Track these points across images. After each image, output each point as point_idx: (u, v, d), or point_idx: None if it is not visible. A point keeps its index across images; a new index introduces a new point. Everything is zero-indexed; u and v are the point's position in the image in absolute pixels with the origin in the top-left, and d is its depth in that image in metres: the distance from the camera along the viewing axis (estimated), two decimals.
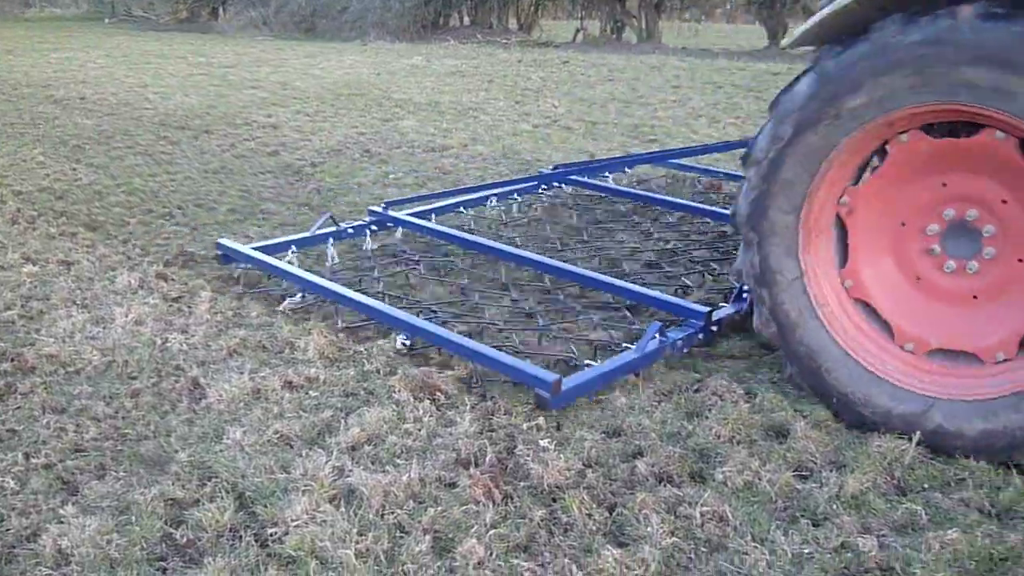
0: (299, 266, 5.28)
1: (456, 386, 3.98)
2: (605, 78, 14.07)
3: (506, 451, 3.48)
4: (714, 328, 4.43)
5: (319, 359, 4.24)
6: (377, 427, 3.61)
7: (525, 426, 3.63)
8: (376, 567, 2.81)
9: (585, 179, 6.97)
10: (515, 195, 6.73)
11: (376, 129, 10.00)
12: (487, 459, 3.39)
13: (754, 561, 2.84)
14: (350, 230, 5.75)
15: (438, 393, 3.90)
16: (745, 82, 13.67)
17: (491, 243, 5.57)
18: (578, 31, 25.04)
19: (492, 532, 2.97)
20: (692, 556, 2.88)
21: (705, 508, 3.07)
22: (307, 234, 5.57)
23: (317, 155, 8.70)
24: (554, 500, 3.16)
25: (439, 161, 8.43)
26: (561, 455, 3.40)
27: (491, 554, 2.87)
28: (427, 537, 2.93)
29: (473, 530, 2.97)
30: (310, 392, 3.95)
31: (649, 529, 2.98)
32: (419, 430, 3.60)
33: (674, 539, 2.93)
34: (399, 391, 3.90)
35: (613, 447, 3.52)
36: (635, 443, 3.54)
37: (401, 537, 2.95)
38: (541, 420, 3.67)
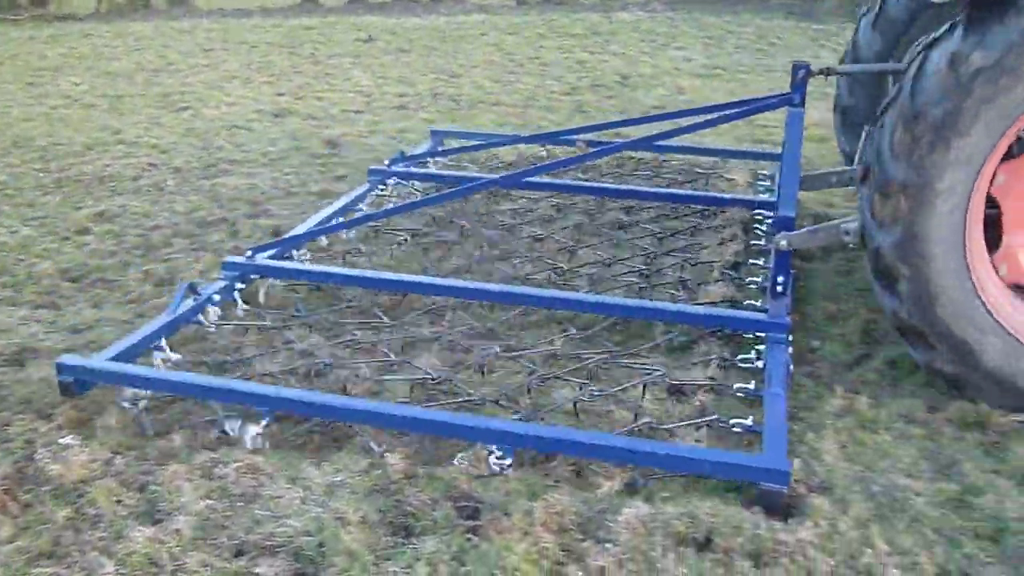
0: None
1: None
2: (132, 48, 13.23)
3: (25, 459, 3.22)
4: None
5: None
6: None
7: (44, 428, 3.39)
8: None
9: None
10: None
11: None
12: (1, 472, 3.12)
13: (289, 501, 2.92)
14: (216, 296, 4.24)
15: None
16: (279, 39, 13.58)
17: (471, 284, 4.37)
18: (100, 0, 23.26)
19: (11, 547, 2.77)
20: (228, 513, 2.89)
21: (238, 464, 3.10)
22: (169, 317, 3.99)
23: None
24: (80, 496, 3.00)
25: None
26: (86, 448, 3.23)
27: (11, 569, 2.67)
28: None
29: None
30: None
31: (183, 498, 2.95)
32: None
33: (209, 501, 2.93)
34: None
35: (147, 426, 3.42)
36: (169, 418, 3.48)
37: None
38: (62, 418, 3.45)
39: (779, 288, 4.06)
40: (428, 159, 6.43)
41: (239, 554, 2.73)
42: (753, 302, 4.28)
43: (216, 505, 2.92)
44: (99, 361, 3.60)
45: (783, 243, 4.04)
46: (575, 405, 3.48)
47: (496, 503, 2.89)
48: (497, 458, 3.08)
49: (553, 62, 11.00)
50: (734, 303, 4.30)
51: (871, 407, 3.55)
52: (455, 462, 3.10)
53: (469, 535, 2.74)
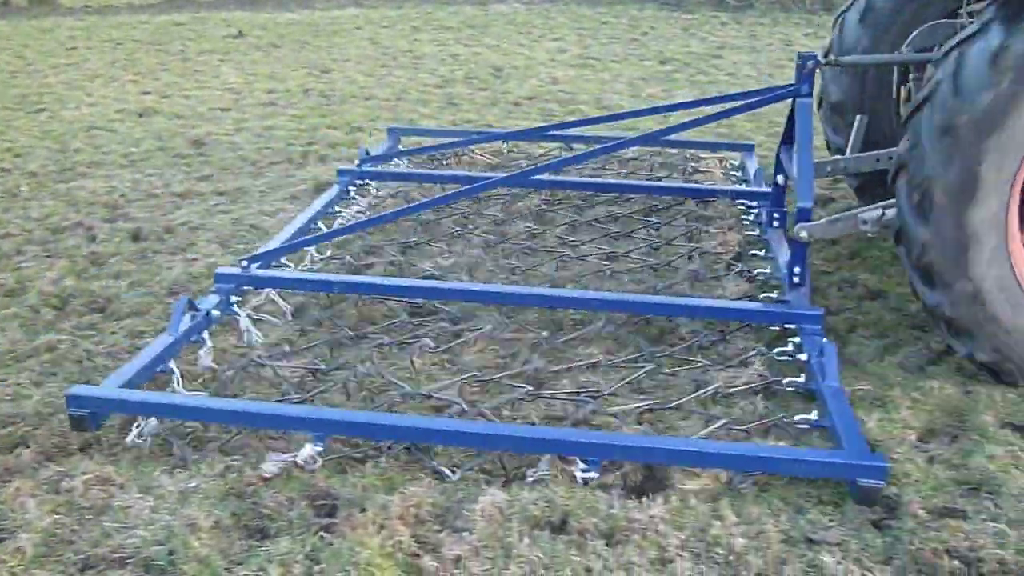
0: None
1: None
2: None
3: None
4: None
5: None
6: None
7: None
8: None
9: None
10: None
11: None
12: None
13: (139, 511, 2.84)
14: (215, 312, 3.98)
15: None
16: (147, 36, 13.17)
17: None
18: None
19: None
20: (76, 527, 2.79)
21: (88, 476, 3.00)
22: (170, 337, 3.67)
23: None
24: None
25: None
26: None
27: None
28: None
29: None
30: None
31: (27, 515, 2.84)
32: None
33: (55, 516, 2.83)
34: None
35: None
36: (19, 431, 3.34)
37: None
38: None
39: (796, 279, 4.10)
40: (400, 158, 6.24)
41: (85, 568, 2.64)
42: (769, 294, 4.26)
43: (63, 520, 2.82)
44: (117, 390, 3.30)
45: (803, 234, 4.04)
46: (641, 414, 3.39)
47: (353, 499, 2.87)
48: (583, 471, 3.00)
49: (427, 55, 10.98)
50: (751, 296, 4.28)
51: None
52: (528, 478, 2.99)
53: (324, 533, 2.72)
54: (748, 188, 5.66)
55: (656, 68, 10.16)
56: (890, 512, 2.93)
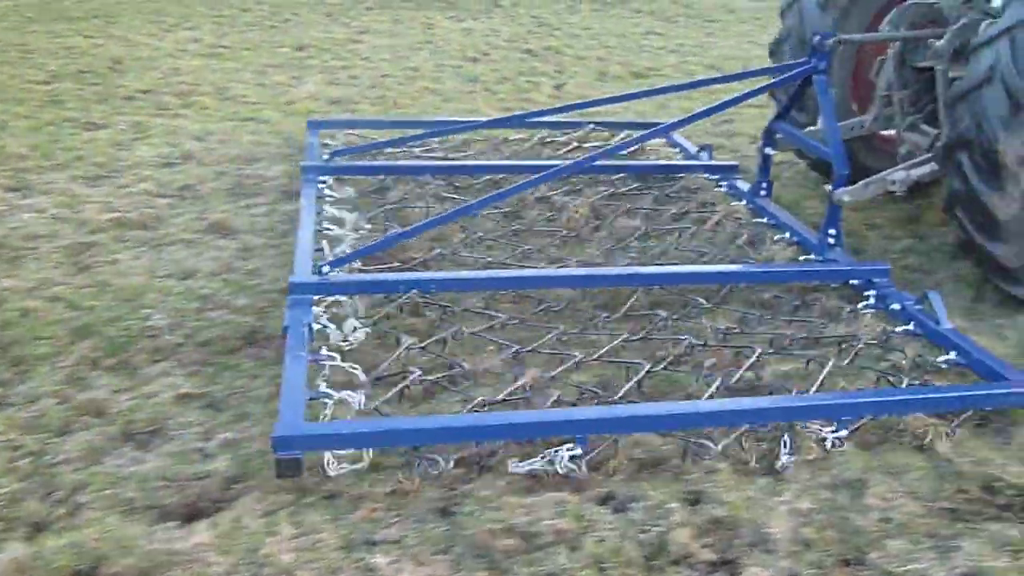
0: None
1: None
2: None
3: None
4: None
5: None
6: None
7: None
8: None
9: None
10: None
11: None
12: None
13: None
14: (316, 325, 3.71)
15: None
16: None
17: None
18: None
19: None
20: None
21: None
22: (302, 357, 3.34)
23: None
24: None
25: None
26: None
27: None
28: None
29: None
30: None
31: None
32: None
33: None
34: None
35: None
36: None
37: None
38: None
39: (831, 240, 4.50)
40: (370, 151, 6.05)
41: None
42: (807, 256, 4.58)
43: None
44: (334, 424, 3.06)
45: (845, 198, 4.46)
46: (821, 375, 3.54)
47: None
48: (832, 432, 3.15)
49: (38, 49, 9.92)
50: (795, 259, 4.60)
51: None
52: (783, 457, 3.07)
53: None
54: (716, 163, 5.92)
55: (291, 55, 9.85)
56: (456, 498, 2.91)
